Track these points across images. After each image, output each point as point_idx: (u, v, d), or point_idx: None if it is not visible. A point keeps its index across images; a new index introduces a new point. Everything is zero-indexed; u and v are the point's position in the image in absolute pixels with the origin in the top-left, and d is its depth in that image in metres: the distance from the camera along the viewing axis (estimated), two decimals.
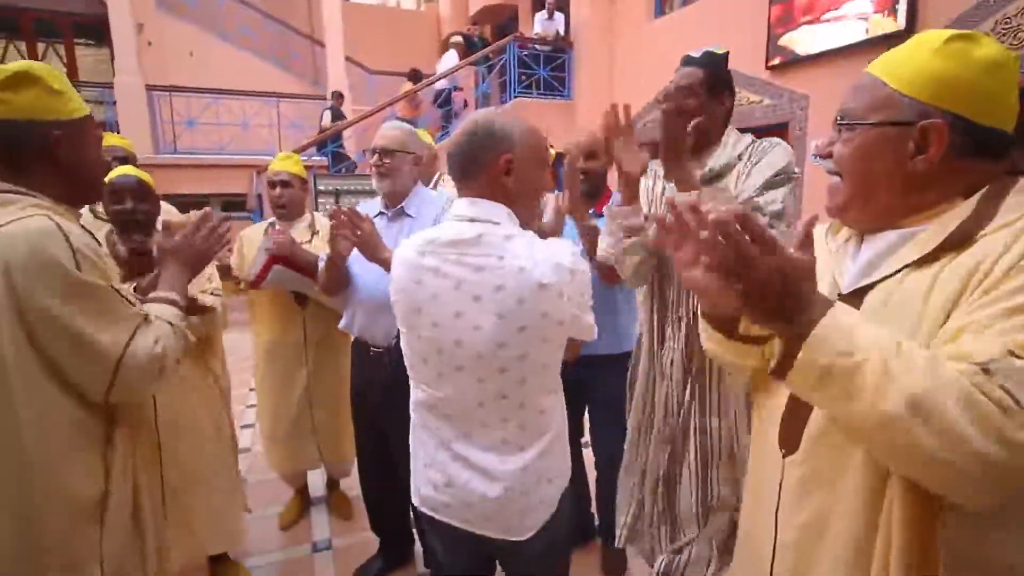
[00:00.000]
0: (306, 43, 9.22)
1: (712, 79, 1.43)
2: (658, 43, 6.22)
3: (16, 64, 1.02)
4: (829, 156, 0.82)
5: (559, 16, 7.38)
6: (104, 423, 1.07)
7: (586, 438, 2.07)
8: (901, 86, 0.73)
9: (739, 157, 1.41)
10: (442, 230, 1.07)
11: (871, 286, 0.75)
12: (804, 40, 4.53)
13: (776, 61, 4.80)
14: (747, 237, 0.61)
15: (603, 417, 1.91)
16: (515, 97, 7.18)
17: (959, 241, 0.68)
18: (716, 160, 1.43)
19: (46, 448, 0.99)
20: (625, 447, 1.71)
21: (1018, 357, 0.57)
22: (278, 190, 2.22)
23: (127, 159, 2.19)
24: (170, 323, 1.11)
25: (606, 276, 1.63)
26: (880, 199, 0.76)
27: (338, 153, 7.39)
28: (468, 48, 8.27)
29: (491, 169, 1.06)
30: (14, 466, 0.97)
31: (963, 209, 0.70)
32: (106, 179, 1.69)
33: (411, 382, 1.17)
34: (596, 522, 2.13)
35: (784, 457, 0.81)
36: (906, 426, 0.58)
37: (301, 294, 2.23)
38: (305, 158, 6.80)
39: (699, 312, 0.95)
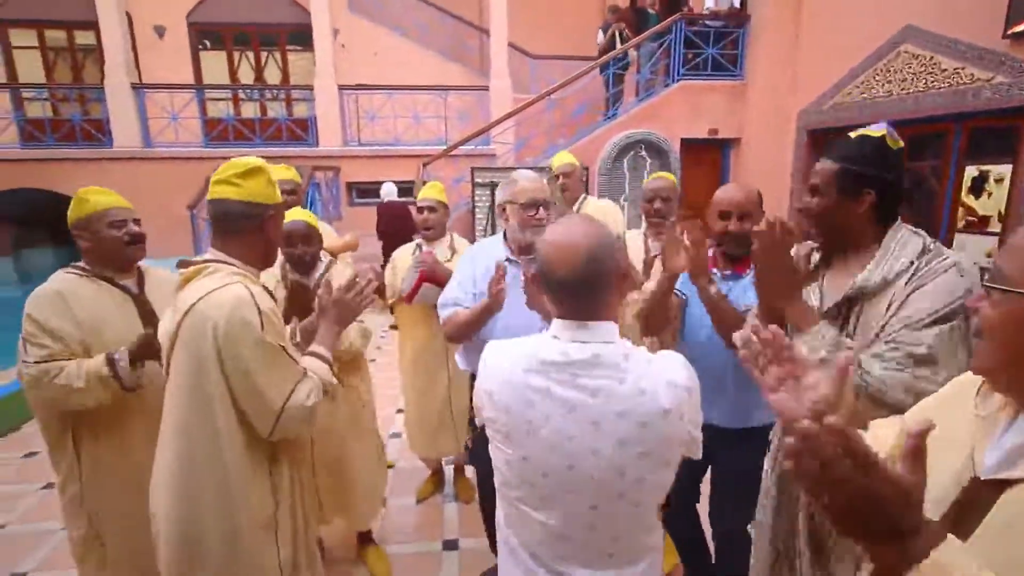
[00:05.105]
0: (477, 34, 9.61)
1: (845, 175, 1.18)
2: (856, 12, 5.33)
3: (251, 160, 1.30)
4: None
5: None
6: (269, 450, 1.32)
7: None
8: None
9: (898, 274, 1.13)
10: (541, 347, 1.01)
11: (1013, 481, 0.63)
12: None
13: (1021, 27, 3.82)
14: (840, 451, 0.52)
15: (724, 491, 1.77)
16: (680, 80, 6.74)
17: None
18: (870, 276, 1.16)
19: (237, 463, 1.25)
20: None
21: None
22: (425, 214, 2.41)
23: (294, 191, 2.52)
24: (320, 377, 1.33)
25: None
26: None
27: (618, 75, 7.35)
28: (640, 22, 7.83)
29: (612, 289, 1.01)
30: (220, 479, 1.24)
31: None
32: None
33: (502, 499, 1.10)
34: None
35: None
36: None
37: None
38: (472, 146, 7.20)
39: None
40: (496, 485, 1.11)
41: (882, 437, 0.71)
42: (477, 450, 1.28)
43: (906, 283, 1.11)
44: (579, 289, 0.98)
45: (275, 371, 1.22)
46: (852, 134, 1.24)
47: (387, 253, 6.05)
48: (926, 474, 0.54)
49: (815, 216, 1.23)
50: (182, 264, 1.30)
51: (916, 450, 0.54)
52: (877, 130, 1.19)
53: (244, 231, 1.30)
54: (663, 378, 0.97)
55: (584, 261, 0.96)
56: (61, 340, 1.52)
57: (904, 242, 1.17)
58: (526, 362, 1.00)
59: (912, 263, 1.13)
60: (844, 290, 1.20)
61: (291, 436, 1.32)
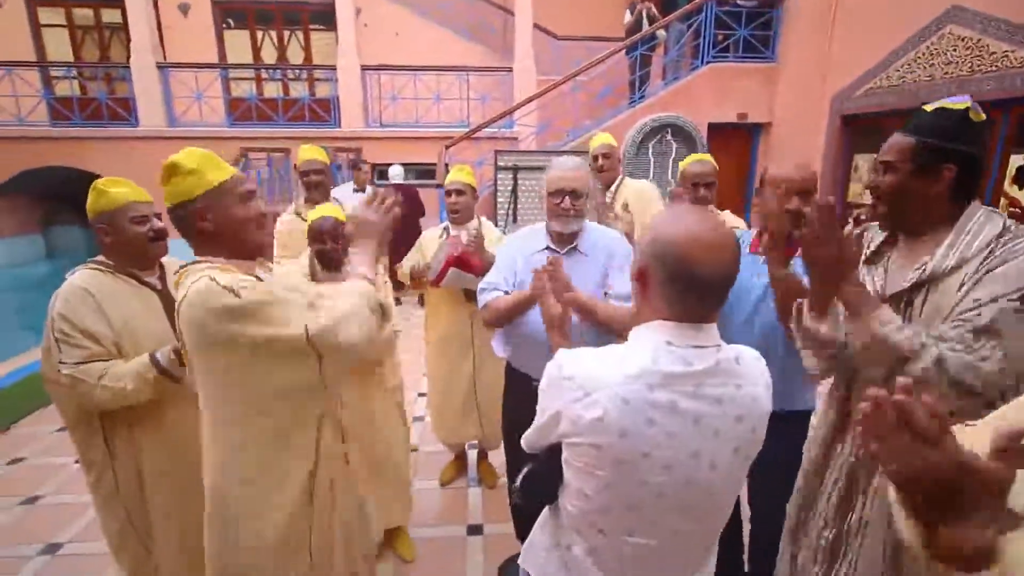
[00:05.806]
0: (500, 14, 9.46)
1: (923, 149, 1.10)
2: None
3: (167, 160, 1.21)
4: None
5: None
6: (318, 407, 1.27)
7: None
8: None
9: (972, 257, 1.05)
10: (660, 357, 0.91)
11: None
12: None
13: None
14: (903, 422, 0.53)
15: (763, 479, 1.72)
16: (709, 62, 6.56)
17: None
18: (943, 260, 1.08)
19: (261, 441, 1.21)
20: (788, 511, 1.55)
21: None
22: (453, 197, 2.38)
23: (322, 171, 2.50)
24: (365, 295, 1.23)
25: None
26: None
27: (645, 57, 7.10)
28: (668, 2, 7.59)
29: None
30: (245, 455, 1.20)
31: None
32: (308, 220, 1.98)
33: (585, 529, 1.01)
34: (746, 568, 1.99)
35: None
36: None
37: (471, 291, 2.40)
38: (494, 129, 7.11)
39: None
40: (575, 515, 1.02)
41: (979, 445, 0.66)
42: (534, 488, 1.11)
43: (979, 264, 1.04)
44: (720, 289, 0.91)
45: (273, 315, 1.13)
46: (928, 107, 1.15)
47: (393, 236, 6.00)
48: (1014, 472, 0.53)
49: (886, 194, 1.15)
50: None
51: (1008, 444, 0.53)
52: (959, 102, 1.11)
53: (191, 231, 1.23)
54: (763, 380, 0.96)
55: (731, 259, 0.90)
56: (97, 340, 1.51)
57: (981, 223, 1.09)
58: (648, 376, 0.89)
59: (988, 245, 1.06)
60: (911, 272, 1.13)
61: (350, 360, 1.24)
